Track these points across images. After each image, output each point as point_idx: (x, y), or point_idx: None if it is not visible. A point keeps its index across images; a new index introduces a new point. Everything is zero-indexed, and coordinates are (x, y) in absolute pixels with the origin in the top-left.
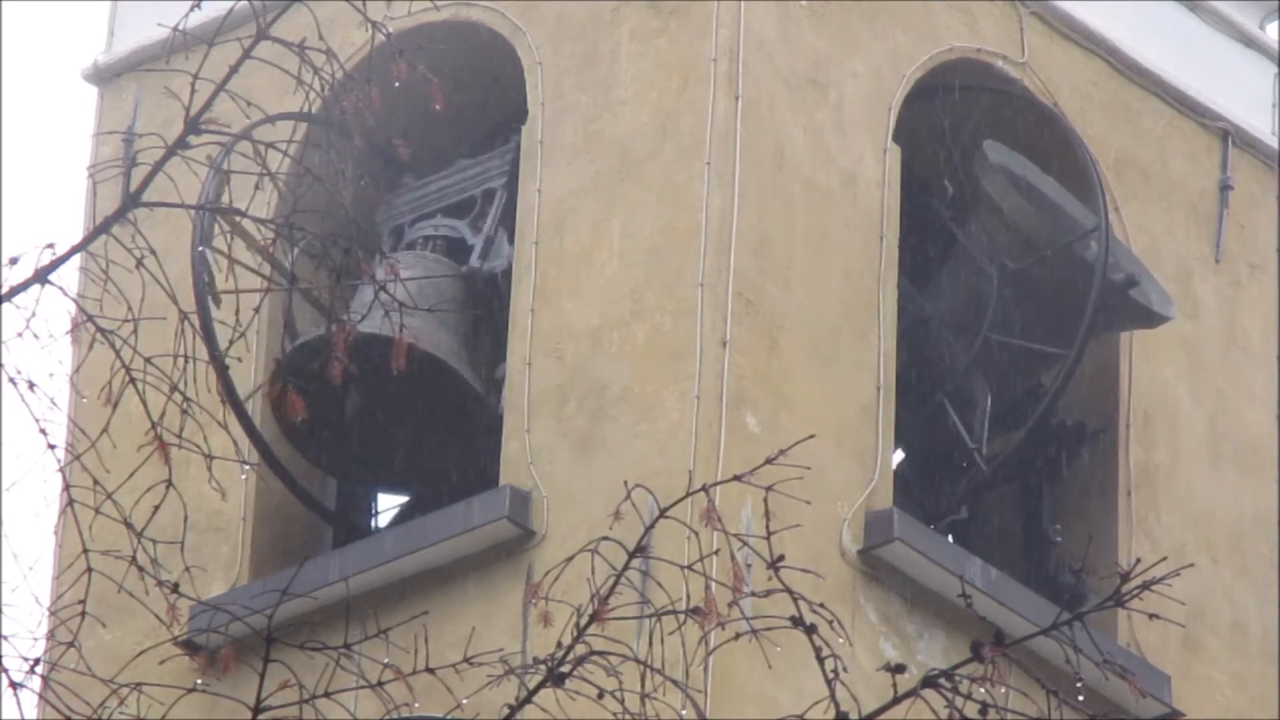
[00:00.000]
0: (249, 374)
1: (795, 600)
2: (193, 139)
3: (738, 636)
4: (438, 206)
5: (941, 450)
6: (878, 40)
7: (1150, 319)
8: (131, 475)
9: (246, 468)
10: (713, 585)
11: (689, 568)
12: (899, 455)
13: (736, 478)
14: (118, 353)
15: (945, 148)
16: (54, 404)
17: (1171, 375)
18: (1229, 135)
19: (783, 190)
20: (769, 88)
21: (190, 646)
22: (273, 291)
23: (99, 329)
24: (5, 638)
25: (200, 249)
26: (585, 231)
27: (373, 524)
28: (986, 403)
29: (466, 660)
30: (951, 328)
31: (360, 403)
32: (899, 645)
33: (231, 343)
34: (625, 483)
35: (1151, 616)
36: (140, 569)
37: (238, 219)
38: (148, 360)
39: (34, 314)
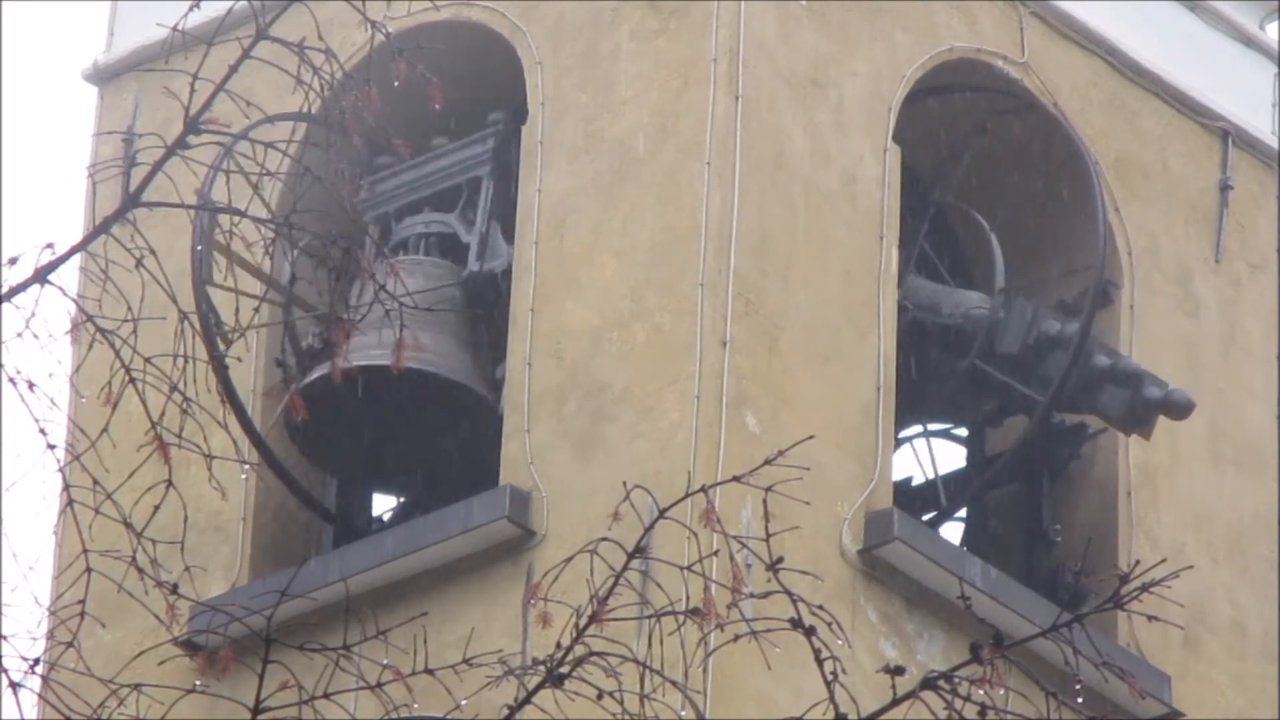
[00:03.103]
0: (249, 374)
1: (794, 602)
2: (192, 139)
3: (737, 638)
4: (421, 197)
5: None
6: (878, 40)
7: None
8: (131, 475)
9: (246, 468)
10: (712, 586)
11: (688, 568)
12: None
13: (736, 478)
14: (117, 353)
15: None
16: (54, 404)
17: (1171, 375)
18: (1229, 135)
19: (783, 190)
20: (769, 88)
21: (190, 647)
22: (270, 303)
23: (99, 329)
24: (5, 638)
25: (199, 248)
26: (585, 231)
27: (372, 524)
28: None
29: (466, 661)
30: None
31: (367, 415)
32: (899, 645)
33: (231, 342)
34: (624, 483)
35: (1151, 619)
36: (140, 569)
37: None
38: (147, 360)
39: (34, 314)
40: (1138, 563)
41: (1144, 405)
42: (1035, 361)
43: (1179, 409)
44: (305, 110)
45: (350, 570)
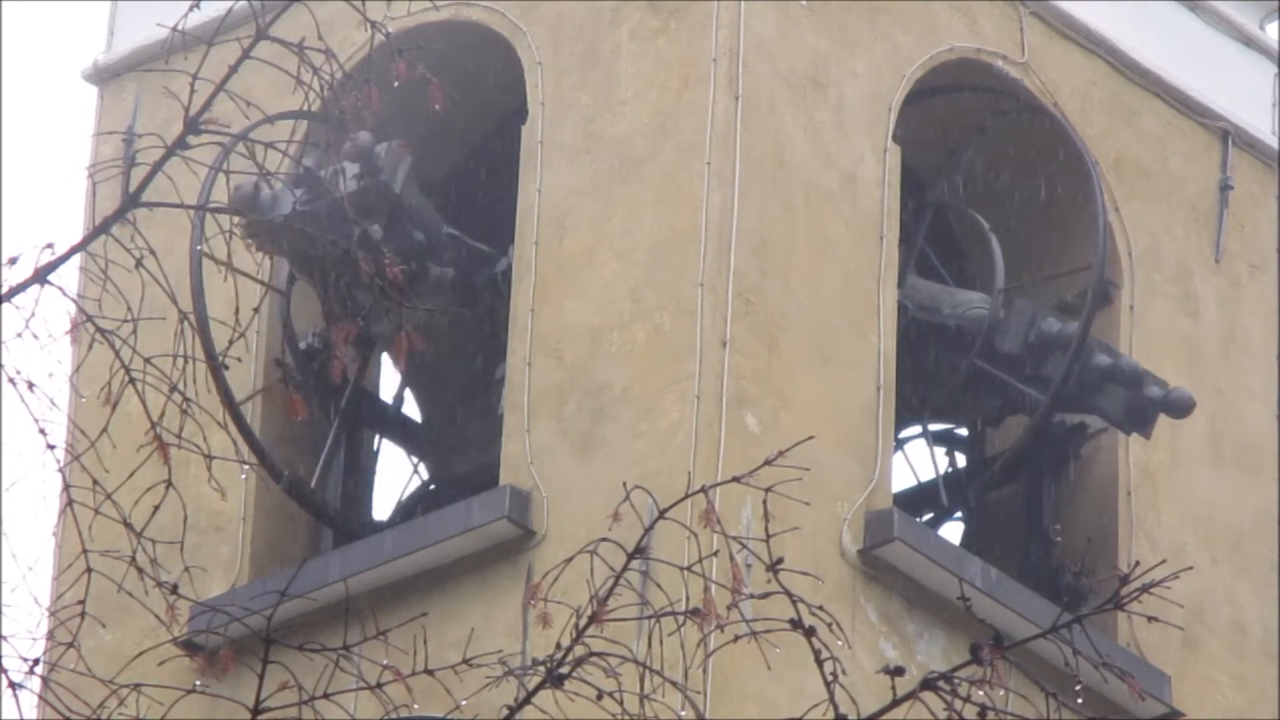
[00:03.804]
0: (249, 374)
1: (794, 602)
2: (192, 139)
3: (737, 639)
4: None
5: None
6: (878, 40)
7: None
8: (131, 475)
9: (246, 467)
10: (712, 586)
11: (688, 569)
12: None
13: (736, 478)
14: (117, 353)
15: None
16: (54, 404)
17: (1171, 375)
18: (1229, 135)
19: (783, 190)
20: (769, 88)
21: (190, 647)
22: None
23: (99, 329)
24: (5, 638)
25: (199, 248)
26: (585, 231)
27: (369, 525)
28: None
29: (466, 661)
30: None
31: None
32: (899, 645)
33: (231, 343)
34: (624, 483)
35: (1151, 619)
36: (140, 569)
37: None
38: (147, 360)
39: (34, 314)
40: (1138, 563)
41: (1145, 405)
42: (1036, 361)
43: (1180, 408)
44: (305, 110)
45: (350, 570)
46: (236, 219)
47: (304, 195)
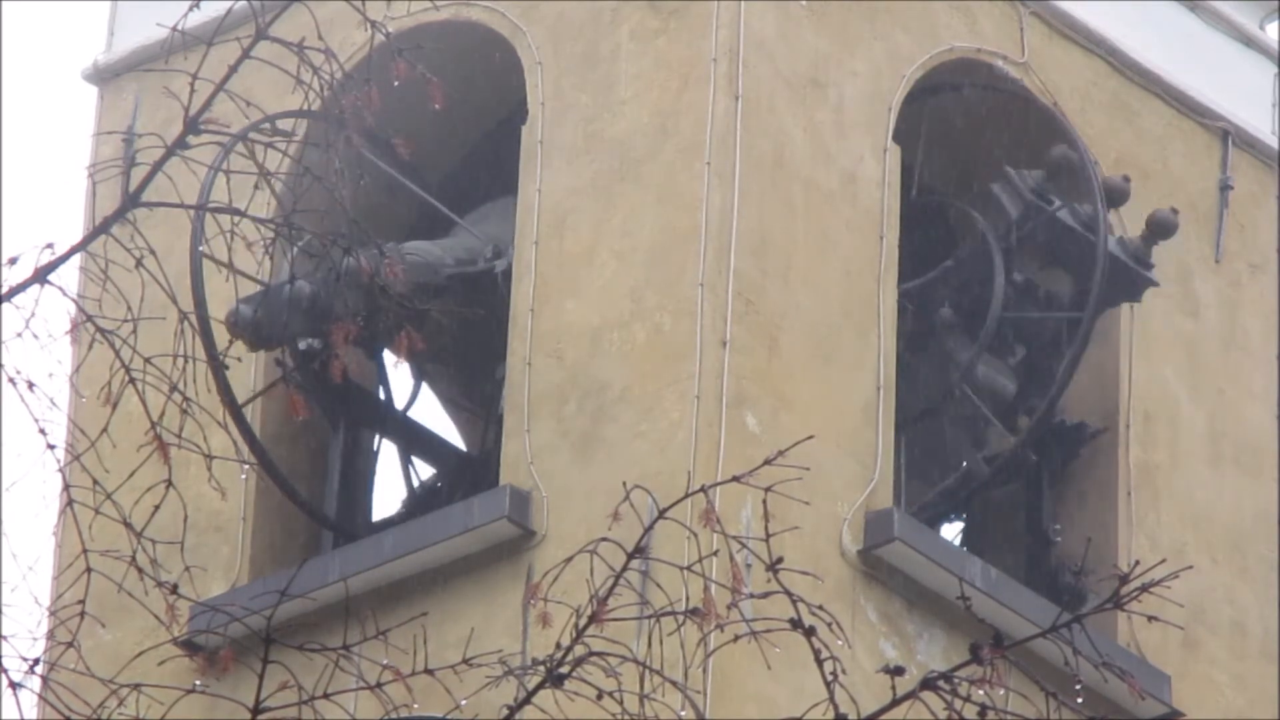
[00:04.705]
0: (249, 374)
1: (794, 602)
2: (192, 139)
3: (737, 638)
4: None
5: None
6: (878, 40)
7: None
8: (131, 475)
9: (246, 467)
10: (712, 586)
11: (688, 568)
12: None
13: (736, 478)
14: (117, 353)
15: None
16: (54, 404)
17: (1171, 375)
18: (1229, 135)
19: (783, 190)
20: (769, 88)
21: (190, 647)
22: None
23: (99, 329)
24: (5, 638)
25: (200, 249)
26: (585, 231)
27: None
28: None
29: (466, 661)
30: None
31: None
32: (899, 645)
33: (231, 343)
34: (624, 483)
35: (1151, 619)
36: (140, 569)
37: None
38: (147, 360)
39: (34, 314)
40: (1138, 563)
41: (1135, 246)
42: (1047, 202)
43: (1163, 227)
44: (304, 109)
45: (350, 570)
46: (240, 337)
47: (308, 299)
